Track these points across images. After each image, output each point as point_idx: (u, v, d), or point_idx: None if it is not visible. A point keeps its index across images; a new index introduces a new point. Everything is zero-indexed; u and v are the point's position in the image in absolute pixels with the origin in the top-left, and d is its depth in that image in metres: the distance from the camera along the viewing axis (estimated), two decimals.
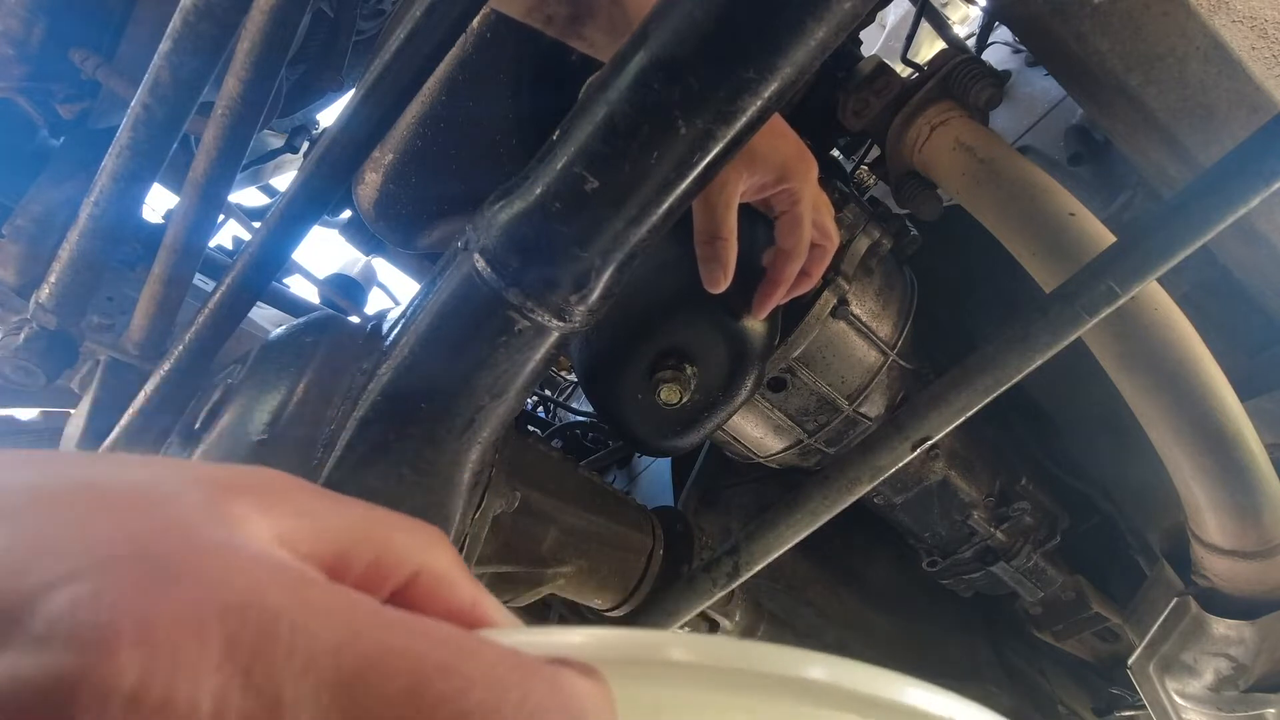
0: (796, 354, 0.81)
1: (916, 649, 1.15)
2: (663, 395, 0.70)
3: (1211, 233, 0.47)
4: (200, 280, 0.94)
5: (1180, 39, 0.65)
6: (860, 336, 0.85)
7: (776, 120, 0.56)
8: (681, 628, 0.75)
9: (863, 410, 0.89)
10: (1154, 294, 0.68)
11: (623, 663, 0.18)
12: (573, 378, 1.50)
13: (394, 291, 1.81)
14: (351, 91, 0.49)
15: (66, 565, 0.14)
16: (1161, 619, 0.81)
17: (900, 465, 0.59)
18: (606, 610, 0.86)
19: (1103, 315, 0.50)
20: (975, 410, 0.56)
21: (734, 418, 0.86)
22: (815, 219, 0.61)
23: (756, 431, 0.88)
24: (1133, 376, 0.70)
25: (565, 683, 0.17)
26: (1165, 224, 0.48)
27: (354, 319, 0.58)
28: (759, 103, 0.37)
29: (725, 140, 0.38)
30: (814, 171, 0.59)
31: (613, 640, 0.19)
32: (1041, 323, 0.52)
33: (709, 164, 0.39)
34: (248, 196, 1.63)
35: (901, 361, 0.88)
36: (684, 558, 0.89)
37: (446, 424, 0.49)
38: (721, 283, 0.60)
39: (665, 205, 0.41)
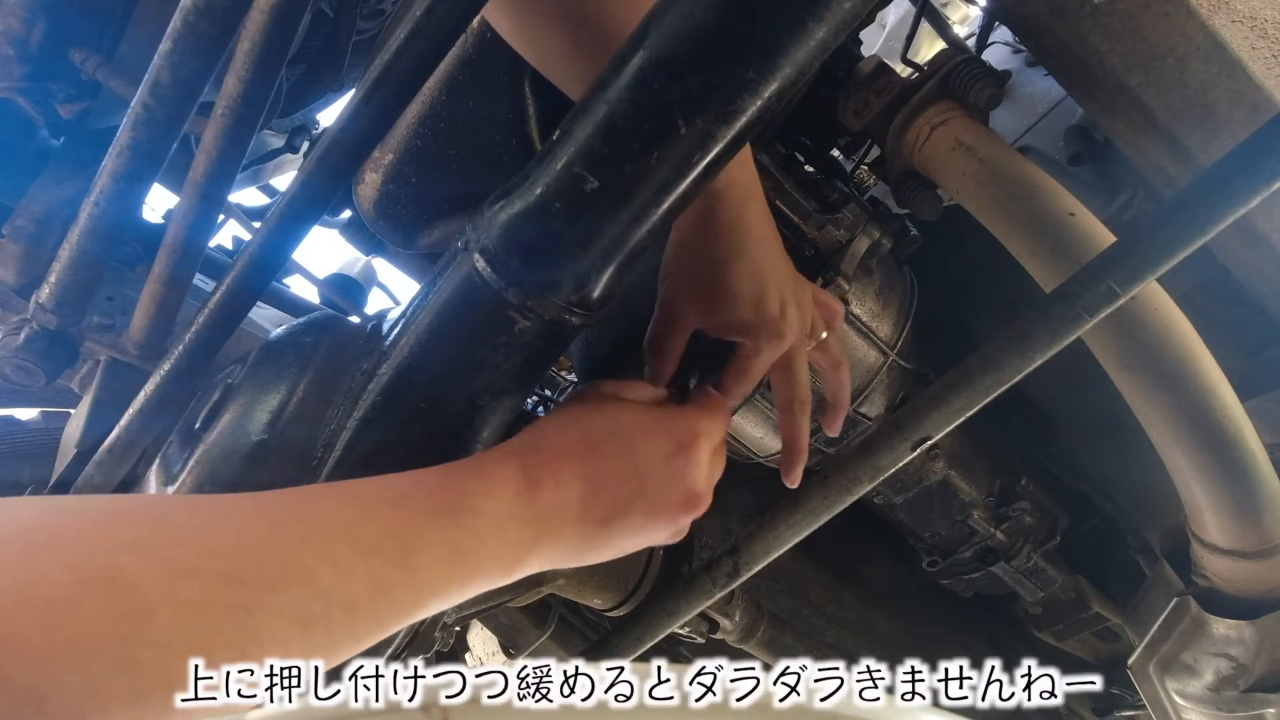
0: None
1: (916, 649, 1.15)
2: None
3: (1211, 233, 0.47)
4: (200, 280, 0.94)
5: (1180, 39, 0.65)
6: (860, 336, 0.85)
7: (759, 288, 0.51)
8: (681, 627, 0.75)
9: (863, 410, 0.89)
10: (1154, 294, 0.68)
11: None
12: (573, 378, 1.49)
13: (394, 291, 1.81)
14: (351, 91, 0.49)
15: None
16: (1161, 619, 0.81)
17: (900, 465, 0.59)
18: (607, 610, 0.86)
19: (1103, 315, 0.50)
20: (975, 410, 0.56)
21: (734, 418, 0.86)
22: (797, 379, 0.58)
23: (756, 431, 0.88)
24: (1133, 376, 0.70)
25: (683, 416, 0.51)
26: (1165, 224, 0.48)
27: (354, 319, 0.58)
28: (759, 103, 0.37)
29: (725, 140, 0.38)
30: (783, 345, 0.54)
31: None
32: (1041, 323, 0.52)
33: (709, 164, 0.39)
34: (248, 196, 1.63)
35: (901, 361, 0.88)
36: (683, 558, 0.89)
37: (446, 424, 0.50)
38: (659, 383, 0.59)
39: (665, 205, 0.41)
